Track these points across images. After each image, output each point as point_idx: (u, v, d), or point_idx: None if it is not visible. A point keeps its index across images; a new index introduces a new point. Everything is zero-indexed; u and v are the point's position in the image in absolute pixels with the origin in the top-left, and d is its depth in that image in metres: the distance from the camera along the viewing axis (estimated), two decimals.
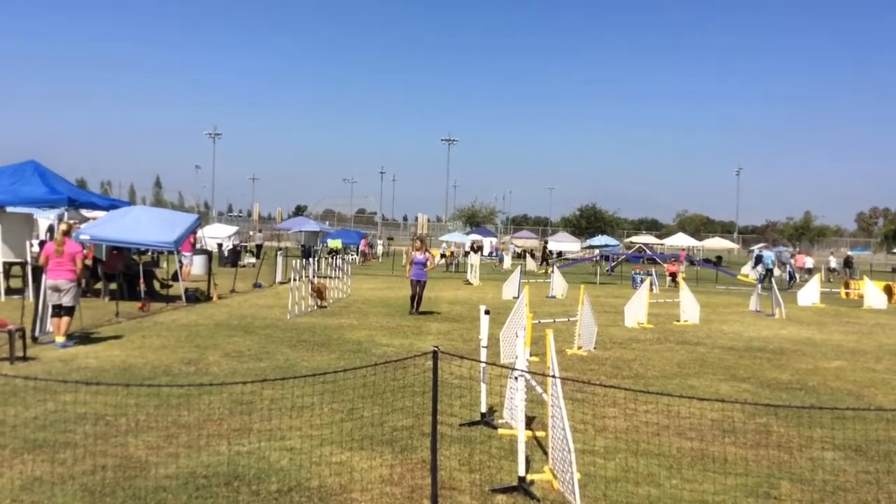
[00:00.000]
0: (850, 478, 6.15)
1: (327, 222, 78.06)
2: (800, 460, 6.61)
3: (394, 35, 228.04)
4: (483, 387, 7.46)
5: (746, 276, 39.17)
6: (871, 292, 25.04)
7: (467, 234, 66.95)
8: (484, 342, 7.50)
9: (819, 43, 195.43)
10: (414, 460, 6.22)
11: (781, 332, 16.45)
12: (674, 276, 31.07)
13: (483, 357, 7.33)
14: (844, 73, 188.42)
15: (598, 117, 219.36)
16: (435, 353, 5.17)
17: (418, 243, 18.27)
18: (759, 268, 37.02)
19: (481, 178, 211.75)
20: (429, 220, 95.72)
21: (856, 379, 10.90)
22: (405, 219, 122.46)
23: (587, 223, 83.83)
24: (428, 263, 17.77)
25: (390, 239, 71.72)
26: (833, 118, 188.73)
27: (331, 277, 21.52)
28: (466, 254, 45.65)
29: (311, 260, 20.48)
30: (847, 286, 30.47)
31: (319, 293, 18.30)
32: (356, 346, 12.38)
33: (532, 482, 5.66)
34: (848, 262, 46.48)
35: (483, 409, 7.49)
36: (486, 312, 7.44)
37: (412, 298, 17.63)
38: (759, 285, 23.89)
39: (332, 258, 24.99)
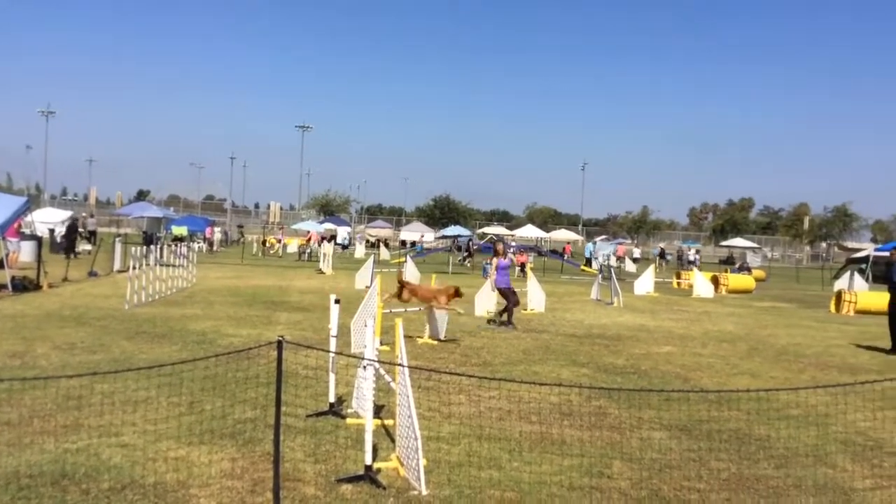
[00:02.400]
0: (676, 456, 6.58)
1: (172, 208, 74.68)
2: (631, 440, 7.01)
3: (248, 17, 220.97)
4: (332, 377, 7.39)
5: (588, 267, 41.04)
6: (700, 282, 26.91)
7: (321, 222, 66.11)
8: (333, 332, 7.43)
9: (655, 41, 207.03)
10: (258, 453, 6.08)
11: (619, 319, 17.37)
12: (522, 266, 32.07)
13: (332, 347, 7.26)
14: (676, 72, 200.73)
15: (452, 110, 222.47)
16: (280, 342, 5.06)
17: (501, 246, 16.60)
18: (601, 258, 38.98)
19: (337, 167, 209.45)
20: (281, 208, 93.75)
21: (684, 363, 11.68)
22: (257, 206, 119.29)
23: (441, 213, 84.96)
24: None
25: (240, 227, 69.60)
26: (669, 117, 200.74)
27: (174, 266, 20.60)
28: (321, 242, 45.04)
29: (152, 247, 19.51)
30: (679, 276, 32.58)
31: None
32: (200, 336, 11.94)
33: (379, 470, 5.67)
34: (680, 255, 49.80)
35: (332, 399, 7.43)
36: (336, 302, 7.37)
37: (510, 310, 15.18)
38: (600, 276, 25.11)
39: (177, 246, 23.92)
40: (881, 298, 16.74)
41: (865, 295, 22.73)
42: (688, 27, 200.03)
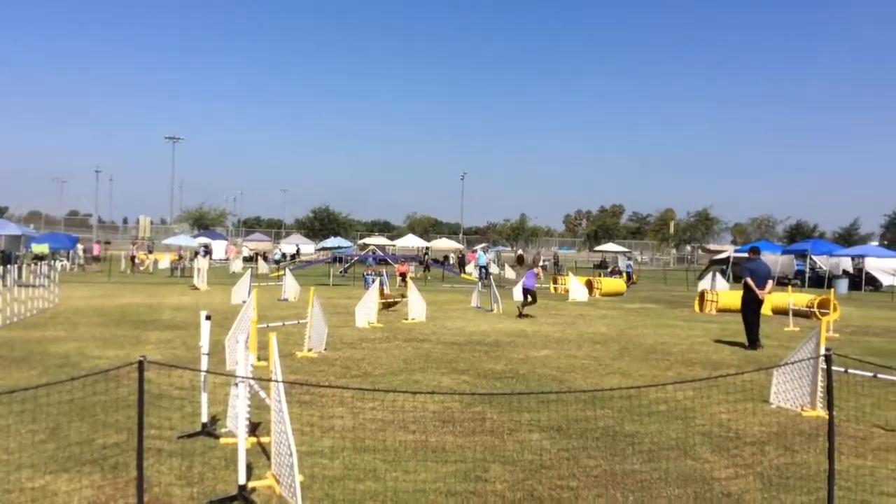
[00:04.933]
0: (551, 456, 6.74)
1: (32, 225, 70.29)
2: (509, 443, 7.14)
3: (111, 27, 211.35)
4: (204, 396, 7.15)
5: (469, 274, 41.62)
6: (575, 287, 27.79)
7: (195, 236, 63.96)
8: (205, 349, 7.18)
9: (528, 51, 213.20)
10: (125, 479, 5.79)
11: (498, 325, 17.69)
12: (403, 276, 32.15)
13: (204, 365, 7.02)
14: (548, 82, 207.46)
15: (331, 120, 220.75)
16: (141, 362, 4.84)
17: (529, 258, 21.62)
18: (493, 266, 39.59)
19: (211, 179, 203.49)
20: (152, 223, 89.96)
21: (559, 365, 12.02)
22: (125, 221, 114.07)
23: (321, 225, 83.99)
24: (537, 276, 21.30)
25: (107, 243, 66.38)
26: (543, 128, 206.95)
27: (34, 286, 19.39)
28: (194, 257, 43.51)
29: (9, 267, 18.29)
30: (555, 281, 33.54)
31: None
32: (62, 359, 11.29)
33: (253, 489, 5.52)
34: (556, 260, 51.27)
35: (204, 419, 7.18)
36: (207, 318, 7.14)
37: (531, 304, 20.40)
38: (480, 283, 25.50)
39: (37, 264, 22.51)
40: (740, 297, 17.80)
41: (726, 294, 24.12)
42: (557, 36, 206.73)
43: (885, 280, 40.35)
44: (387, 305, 20.50)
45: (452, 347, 13.73)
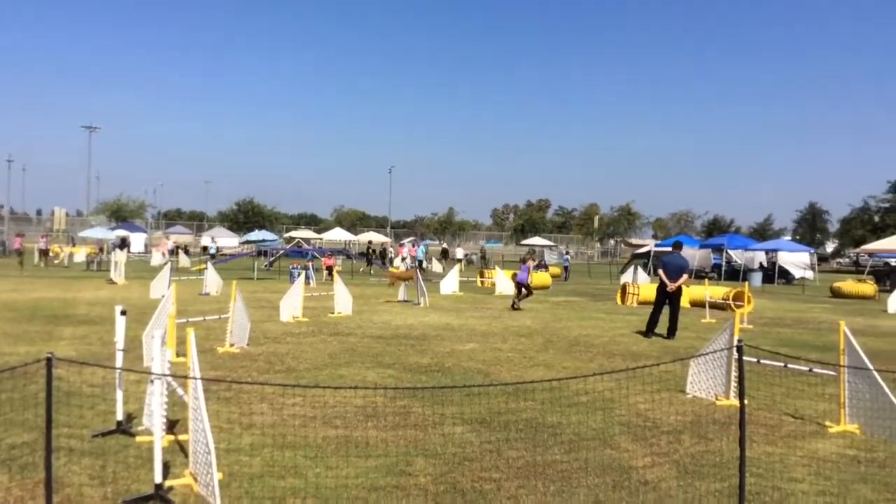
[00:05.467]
0: (475, 448, 6.79)
1: None
2: (433, 437, 7.15)
3: (25, 11, 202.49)
4: (119, 393, 6.93)
5: (397, 268, 41.53)
6: (502, 280, 28.05)
7: (112, 229, 61.98)
8: (120, 345, 6.96)
9: (453, 46, 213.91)
10: (34, 479, 5.56)
11: (425, 319, 17.72)
12: (330, 269, 31.87)
13: (119, 362, 6.80)
14: (475, 77, 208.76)
15: (253, 111, 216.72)
16: (49, 359, 4.65)
17: (527, 256, 23.42)
18: (408, 259, 39.59)
19: (129, 170, 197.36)
20: (67, 215, 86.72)
21: (485, 358, 12.11)
22: (39, 213, 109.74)
23: (245, 218, 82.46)
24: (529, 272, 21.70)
25: (21, 235, 63.65)
26: (472, 121, 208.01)
27: None
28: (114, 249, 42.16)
29: None
30: (482, 275, 33.79)
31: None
32: None
33: (170, 488, 5.38)
34: (483, 254, 51.65)
35: (119, 416, 6.96)
36: (123, 313, 6.91)
37: (525, 296, 21.47)
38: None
39: None
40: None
41: (647, 287, 24.75)
42: (480, 29, 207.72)
43: (797, 273, 42.11)
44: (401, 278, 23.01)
45: (378, 341, 13.68)
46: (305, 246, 44.47)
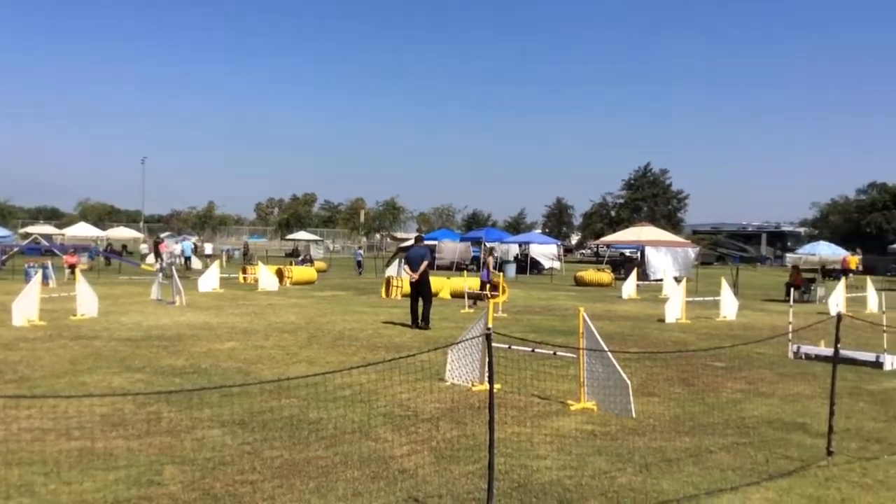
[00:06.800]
0: (232, 451, 6.53)
1: None
2: (186, 442, 6.78)
3: None
4: None
5: (151, 265, 39.17)
6: (265, 276, 27.37)
7: None
8: None
9: (210, 36, 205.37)
10: None
11: (181, 318, 16.82)
12: (72, 267, 29.27)
13: None
14: (229, 70, 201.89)
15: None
16: None
17: (489, 253, 25.94)
18: (165, 256, 37.47)
19: None
20: None
21: (246, 357, 11.73)
22: None
23: None
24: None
25: None
26: (228, 112, 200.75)
27: None
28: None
29: None
30: (244, 271, 32.76)
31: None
32: None
33: None
34: (245, 250, 50.19)
35: None
36: None
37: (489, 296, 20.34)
38: (160, 274, 24.07)
39: None
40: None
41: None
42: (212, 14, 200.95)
43: (546, 264, 45.38)
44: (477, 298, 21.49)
45: (127, 344, 12.76)
46: (45, 243, 40.44)
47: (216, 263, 29.33)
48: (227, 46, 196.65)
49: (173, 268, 25.23)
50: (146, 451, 6.46)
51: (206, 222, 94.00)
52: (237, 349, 12.50)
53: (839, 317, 7.52)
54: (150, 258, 44.13)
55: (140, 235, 69.25)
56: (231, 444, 6.76)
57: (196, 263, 43.31)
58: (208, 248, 48.59)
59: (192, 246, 44.67)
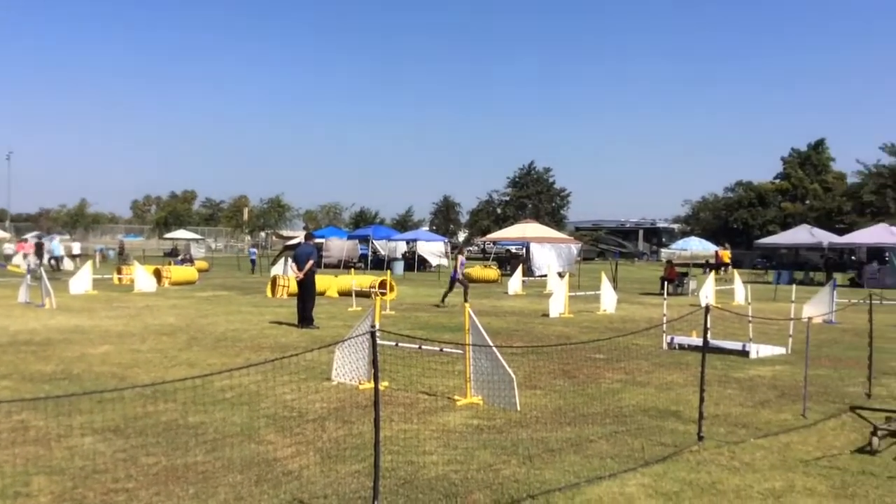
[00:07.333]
0: (106, 459, 6.25)
1: None
2: (57, 451, 6.45)
3: None
4: None
5: (18, 266, 36.94)
6: (142, 276, 26.27)
7: None
8: None
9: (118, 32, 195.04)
10: None
11: (50, 322, 15.93)
12: None
13: None
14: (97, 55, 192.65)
15: None
16: None
17: (463, 251, 25.78)
18: (31, 258, 35.41)
19: None
20: None
21: (121, 361, 11.25)
22: None
23: None
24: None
25: None
26: (101, 106, 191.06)
27: None
28: None
29: None
30: (120, 272, 31.35)
31: None
32: None
33: None
34: (121, 249, 48.05)
35: None
36: None
37: (465, 292, 22.06)
38: (29, 276, 22.71)
39: None
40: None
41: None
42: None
43: (434, 261, 45.70)
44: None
45: None
46: None
47: (89, 264, 27.87)
48: (104, 38, 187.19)
49: (41, 269, 23.83)
50: (13, 462, 6.09)
51: (77, 221, 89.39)
52: (111, 353, 11.96)
53: (707, 309, 7.97)
54: (17, 259, 41.57)
55: (6, 235, 64.96)
56: (105, 451, 6.47)
57: (67, 264, 41.08)
58: (76, 248, 46.03)
59: (60, 246, 42.22)
